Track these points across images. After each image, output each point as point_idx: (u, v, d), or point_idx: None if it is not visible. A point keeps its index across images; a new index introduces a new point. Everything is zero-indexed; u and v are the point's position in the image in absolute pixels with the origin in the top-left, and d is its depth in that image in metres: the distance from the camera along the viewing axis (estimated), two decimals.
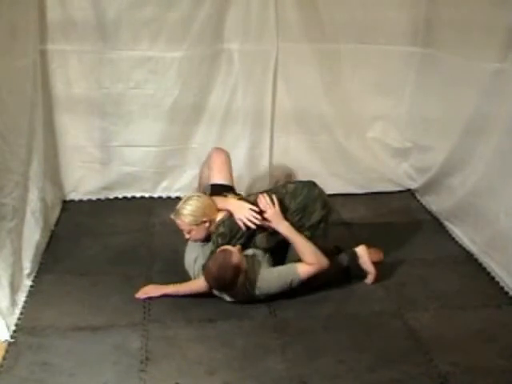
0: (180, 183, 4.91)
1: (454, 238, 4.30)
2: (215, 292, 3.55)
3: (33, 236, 3.94)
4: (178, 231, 3.75)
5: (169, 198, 4.90)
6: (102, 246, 4.18)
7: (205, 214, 3.65)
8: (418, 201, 4.90)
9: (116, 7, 4.40)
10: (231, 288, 3.45)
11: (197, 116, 4.76)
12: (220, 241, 3.59)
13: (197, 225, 3.64)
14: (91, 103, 4.64)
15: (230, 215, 3.65)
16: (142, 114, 4.70)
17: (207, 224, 3.66)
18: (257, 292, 3.51)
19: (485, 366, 3.09)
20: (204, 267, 3.52)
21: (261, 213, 3.60)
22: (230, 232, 3.62)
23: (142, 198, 4.93)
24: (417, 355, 3.17)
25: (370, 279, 3.75)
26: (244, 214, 3.60)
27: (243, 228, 3.60)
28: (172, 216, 3.72)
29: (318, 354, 3.17)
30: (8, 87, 3.69)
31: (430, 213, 4.69)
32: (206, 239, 3.69)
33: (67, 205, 4.79)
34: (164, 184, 4.93)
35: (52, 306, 3.53)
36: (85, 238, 4.29)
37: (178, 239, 4.21)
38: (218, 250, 3.52)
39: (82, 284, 3.76)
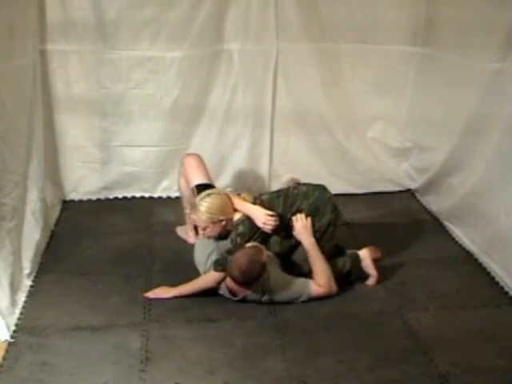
0: None
1: (454, 238, 4.29)
2: (221, 291, 3.54)
3: (33, 236, 3.94)
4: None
5: (169, 197, 4.89)
6: (102, 246, 4.18)
7: (222, 212, 3.64)
8: (418, 201, 4.90)
9: (116, 7, 4.40)
10: (251, 284, 3.44)
11: (197, 116, 4.76)
12: (239, 240, 3.59)
13: (213, 223, 3.63)
14: (91, 103, 4.64)
15: (248, 216, 3.65)
16: (142, 114, 4.70)
17: (224, 223, 3.65)
18: (267, 294, 3.50)
19: (485, 366, 3.09)
20: (216, 262, 3.52)
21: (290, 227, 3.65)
22: (249, 232, 3.62)
23: (142, 198, 4.92)
24: (417, 355, 3.16)
25: (371, 281, 3.76)
26: (262, 220, 3.60)
27: (267, 230, 3.61)
28: (187, 210, 3.70)
29: (318, 354, 3.16)
30: (7, 87, 3.69)
31: (430, 213, 4.69)
32: (220, 237, 3.70)
33: (67, 205, 4.78)
34: (164, 184, 4.91)
35: (52, 306, 3.52)
36: (85, 238, 4.28)
37: (178, 239, 4.22)
38: (248, 245, 3.50)
39: (82, 284, 3.75)
